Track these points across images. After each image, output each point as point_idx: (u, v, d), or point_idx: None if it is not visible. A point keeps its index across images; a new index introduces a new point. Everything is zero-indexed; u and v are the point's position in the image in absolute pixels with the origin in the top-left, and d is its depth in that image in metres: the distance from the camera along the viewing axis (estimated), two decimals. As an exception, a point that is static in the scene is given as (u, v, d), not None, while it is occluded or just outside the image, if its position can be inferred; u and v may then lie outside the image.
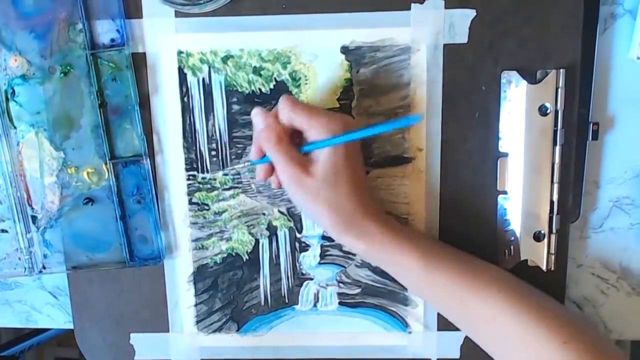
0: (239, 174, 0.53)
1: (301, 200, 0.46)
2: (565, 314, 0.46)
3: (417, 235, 0.49)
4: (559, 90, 0.49)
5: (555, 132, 0.50)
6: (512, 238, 0.52)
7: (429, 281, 0.47)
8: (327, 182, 0.45)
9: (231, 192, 0.54)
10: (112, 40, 0.51)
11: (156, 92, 0.52)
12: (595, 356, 0.43)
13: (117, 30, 0.51)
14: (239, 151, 0.53)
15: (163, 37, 0.51)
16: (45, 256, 0.54)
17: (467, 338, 0.55)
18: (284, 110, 0.46)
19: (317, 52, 0.51)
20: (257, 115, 0.47)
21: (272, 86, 0.52)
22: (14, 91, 0.52)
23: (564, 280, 0.53)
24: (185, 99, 0.52)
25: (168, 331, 0.57)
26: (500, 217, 0.52)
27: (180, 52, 0.51)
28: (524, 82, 0.49)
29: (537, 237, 0.52)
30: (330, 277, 0.55)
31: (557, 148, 0.50)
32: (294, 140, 0.47)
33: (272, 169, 0.48)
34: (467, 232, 0.53)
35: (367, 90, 0.51)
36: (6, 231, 0.54)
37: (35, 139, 0.52)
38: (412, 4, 0.49)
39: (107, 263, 0.54)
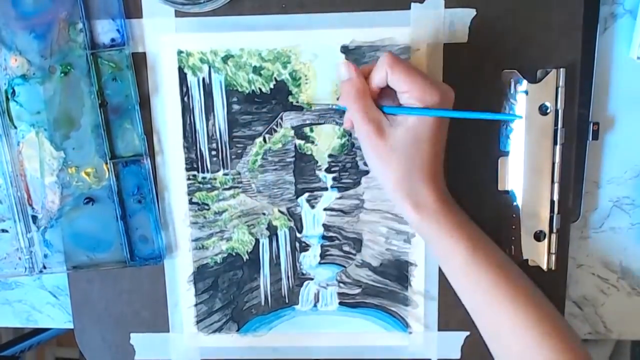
0: (239, 173, 0.53)
1: (371, 159, 0.45)
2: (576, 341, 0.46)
3: (470, 226, 0.47)
4: (559, 89, 0.49)
5: (555, 131, 0.50)
6: (513, 238, 0.52)
7: (469, 274, 0.46)
8: (403, 151, 0.43)
9: (231, 191, 0.54)
10: (113, 40, 0.51)
11: (156, 91, 0.52)
12: None
13: (117, 30, 0.51)
14: (239, 151, 0.53)
15: (163, 37, 0.51)
16: (45, 256, 0.54)
17: (467, 338, 0.55)
18: (381, 67, 0.43)
19: (317, 51, 0.51)
20: (343, 65, 0.45)
21: (272, 86, 0.52)
22: (14, 91, 0.52)
23: (564, 280, 0.53)
24: (186, 98, 0.52)
25: (168, 331, 0.57)
26: (501, 217, 0.52)
27: (180, 52, 0.51)
28: (524, 82, 0.49)
29: (538, 236, 0.52)
30: (331, 277, 0.55)
31: (558, 147, 0.50)
32: (383, 96, 0.45)
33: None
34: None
35: (367, 90, 0.51)
36: (6, 231, 0.54)
37: (35, 139, 0.52)
38: (412, 4, 0.49)
39: (107, 263, 0.54)
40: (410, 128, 0.43)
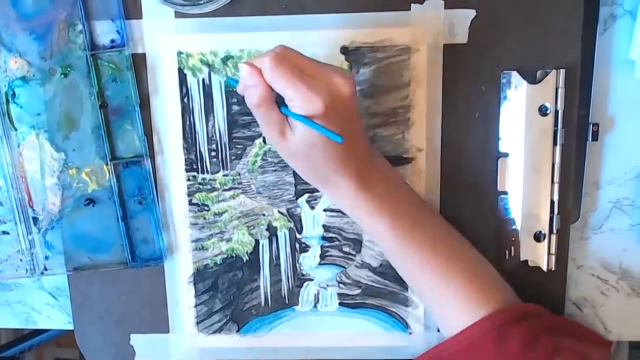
0: (239, 174, 0.53)
1: (281, 154, 0.46)
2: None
3: (392, 205, 0.47)
4: (559, 90, 0.49)
5: (555, 132, 0.50)
6: (513, 238, 0.52)
7: (399, 252, 0.48)
8: (303, 154, 0.44)
9: (231, 192, 0.54)
10: (112, 41, 0.51)
11: (156, 92, 0.52)
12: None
13: (117, 31, 0.51)
14: (239, 152, 0.53)
15: (163, 38, 0.51)
16: (46, 257, 0.54)
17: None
18: (265, 72, 0.42)
19: (317, 52, 0.51)
20: (244, 70, 0.43)
21: (272, 87, 0.52)
22: (14, 93, 0.52)
23: (564, 281, 0.53)
24: (185, 99, 0.52)
25: (168, 332, 0.57)
26: (501, 218, 0.52)
27: (180, 53, 0.51)
28: (524, 82, 0.49)
29: (538, 237, 0.52)
30: (331, 277, 0.55)
31: (557, 148, 0.50)
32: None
33: None
34: (467, 233, 0.53)
35: (367, 91, 0.51)
36: (7, 233, 0.54)
37: (36, 141, 0.52)
38: (412, 5, 0.49)
39: (108, 264, 0.54)
40: (302, 133, 0.43)
